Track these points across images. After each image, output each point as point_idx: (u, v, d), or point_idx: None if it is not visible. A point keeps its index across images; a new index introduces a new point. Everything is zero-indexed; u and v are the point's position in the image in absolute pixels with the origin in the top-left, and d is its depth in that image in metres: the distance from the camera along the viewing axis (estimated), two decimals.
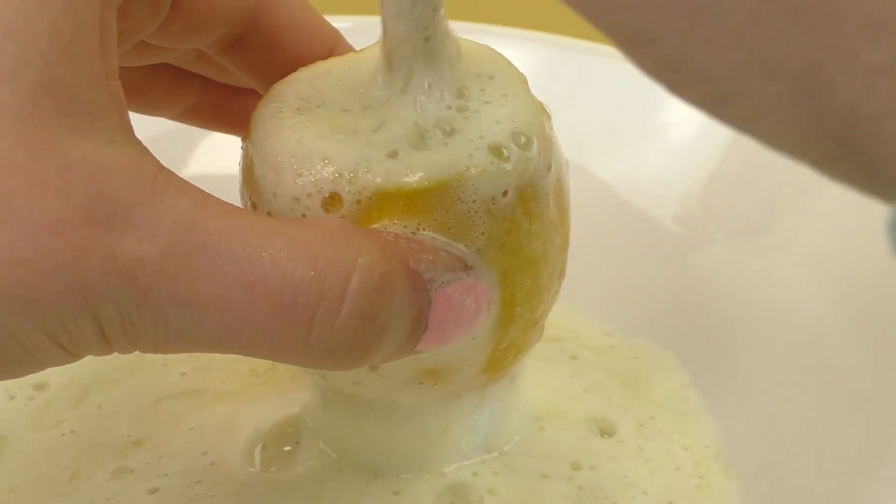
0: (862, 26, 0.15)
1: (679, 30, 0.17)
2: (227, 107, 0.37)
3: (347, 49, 0.35)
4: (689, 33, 0.17)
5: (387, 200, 0.29)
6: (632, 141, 0.50)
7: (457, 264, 0.29)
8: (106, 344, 0.25)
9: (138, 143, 0.25)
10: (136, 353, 0.26)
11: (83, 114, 0.24)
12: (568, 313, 0.36)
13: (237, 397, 0.41)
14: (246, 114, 0.32)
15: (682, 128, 0.49)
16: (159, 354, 0.30)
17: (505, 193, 0.30)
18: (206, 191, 0.26)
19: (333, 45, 0.34)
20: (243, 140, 0.32)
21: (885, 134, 0.16)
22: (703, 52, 0.17)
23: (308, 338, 0.25)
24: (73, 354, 0.25)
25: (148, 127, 0.31)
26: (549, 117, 0.32)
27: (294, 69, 0.33)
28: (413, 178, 0.29)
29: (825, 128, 0.17)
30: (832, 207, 0.43)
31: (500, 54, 0.32)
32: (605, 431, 0.40)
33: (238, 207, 0.26)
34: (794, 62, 0.16)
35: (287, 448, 0.39)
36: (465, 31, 0.33)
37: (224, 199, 0.26)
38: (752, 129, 0.18)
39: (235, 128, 0.37)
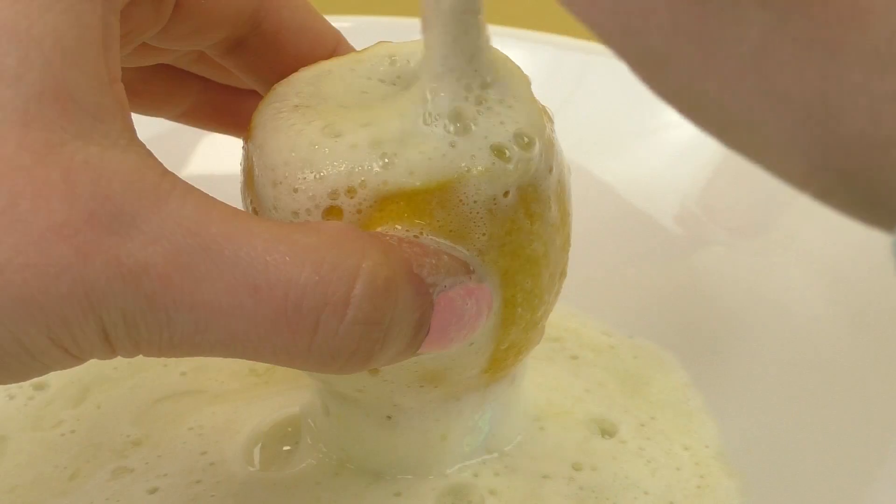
0: (870, 59, 0.16)
1: (692, 52, 0.17)
2: (226, 107, 0.37)
3: (349, 50, 0.35)
4: (702, 57, 0.17)
5: (388, 202, 0.29)
6: (632, 141, 0.50)
7: (459, 268, 0.29)
8: (110, 348, 0.25)
9: (142, 146, 0.25)
10: None
11: (87, 117, 0.24)
12: (568, 313, 0.36)
13: (237, 397, 0.41)
14: (246, 115, 0.32)
15: (682, 128, 0.49)
16: None
17: (506, 194, 0.30)
18: (206, 191, 0.26)
19: (335, 46, 0.34)
20: (244, 141, 0.32)
21: (889, 164, 0.16)
22: (715, 76, 0.17)
23: (312, 343, 0.25)
24: (76, 358, 0.25)
25: (148, 127, 0.31)
26: (550, 120, 0.32)
27: (296, 70, 0.33)
28: (413, 180, 0.29)
29: (828, 159, 0.17)
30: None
31: (504, 55, 0.32)
32: (606, 432, 0.40)
33: (242, 211, 0.26)
34: (803, 90, 0.16)
35: (286, 448, 0.39)
36: None
37: (224, 198, 0.26)
38: (757, 158, 0.19)
39: (235, 129, 0.36)
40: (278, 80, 0.33)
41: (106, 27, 0.25)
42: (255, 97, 0.33)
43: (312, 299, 0.25)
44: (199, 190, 0.25)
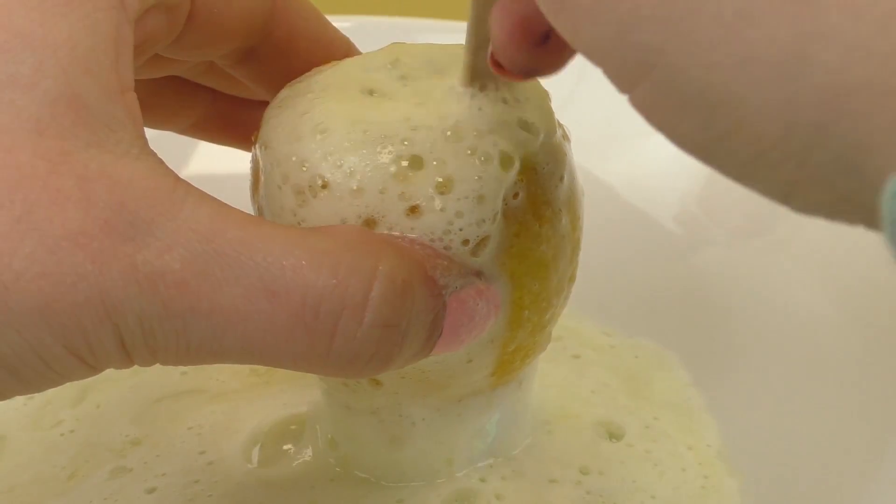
0: (843, 9, 0.17)
1: (682, 34, 0.19)
2: (235, 119, 0.36)
3: None
4: (689, 35, 0.18)
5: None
6: (632, 141, 0.50)
7: (469, 269, 0.29)
8: (126, 356, 0.24)
9: (154, 155, 0.25)
10: None
11: (100, 126, 0.24)
12: (567, 312, 0.36)
13: (237, 397, 0.41)
14: (254, 126, 0.32)
15: None
16: None
17: (516, 196, 0.30)
18: (206, 191, 0.25)
19: (346, 54, 0.34)
20: (253, 142, 0.32)
21: (860, 109, 0.17)
22: (697, 50, 0.19)
23: (331, 347, 0.25)
24: (93, 368, 0.25)
25: (148, 129, 0.31)
26: (567, 139, 0.32)
27: None
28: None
29: (801, 113, 0.18)
30: None
31: None
32: (614, 435, 0.40)
33: (257, 217, 0.26)
34: (778, 47, 0.18)
35: (286, 447, 0.39)
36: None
37: (225, 198, 0.26)
38: (727, 145, 0.20)
39: (243, 141, 0.36)
40: None
41: (120, 36, 0.25)
42: (263, 108, 0.32)
43: (330, 303, 0.25)
44: (212, 197, 0.25)
